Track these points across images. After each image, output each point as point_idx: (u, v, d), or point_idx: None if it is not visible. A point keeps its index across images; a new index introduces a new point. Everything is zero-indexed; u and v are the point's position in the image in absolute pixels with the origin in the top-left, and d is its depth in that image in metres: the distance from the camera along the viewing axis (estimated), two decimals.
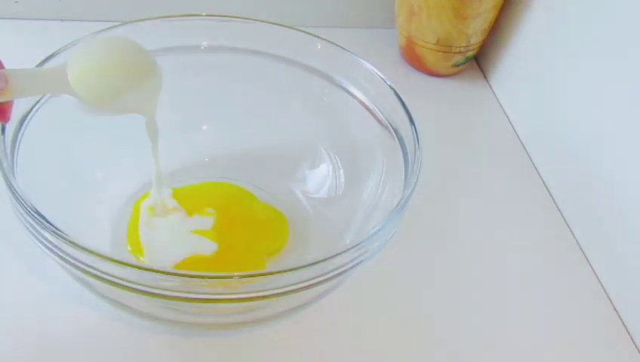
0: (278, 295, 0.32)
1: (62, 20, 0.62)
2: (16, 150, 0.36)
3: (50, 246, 0.31)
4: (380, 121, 0.42)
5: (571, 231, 0.49)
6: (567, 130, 0.51)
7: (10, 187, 0.32)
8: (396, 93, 0.41)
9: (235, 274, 0.30)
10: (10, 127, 0.35)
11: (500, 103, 0.61)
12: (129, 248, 0.41)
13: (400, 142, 0.40)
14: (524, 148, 0.56)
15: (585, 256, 0.47)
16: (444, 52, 0.60)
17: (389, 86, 0.41)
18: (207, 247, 0.41)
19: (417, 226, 0.45)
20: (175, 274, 0.30)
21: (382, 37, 0.66)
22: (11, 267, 0.40)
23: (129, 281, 0.30)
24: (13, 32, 0.60)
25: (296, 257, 0.42)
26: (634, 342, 0.42)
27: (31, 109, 0.38)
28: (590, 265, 0.47)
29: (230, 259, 0.41)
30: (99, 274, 0.31)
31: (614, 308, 0.44)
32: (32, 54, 0.39)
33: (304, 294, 0.33)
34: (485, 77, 0.64)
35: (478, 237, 0.48)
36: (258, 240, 0.43)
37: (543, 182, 0.53)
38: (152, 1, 0.58)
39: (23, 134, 0.37)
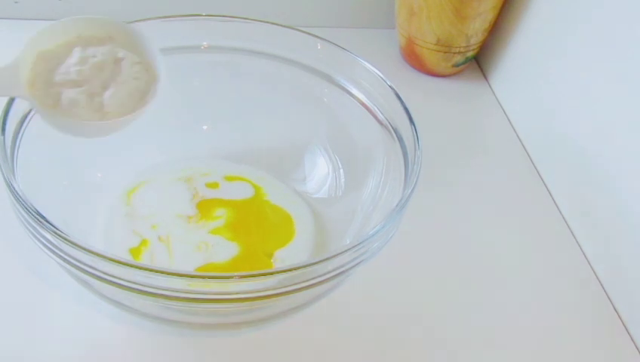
0: (278, 295, 0.32)
1: None
2: (16, 150, 0.36)
3: (50, 246, 0.31)
4: (379, 121, 0.43)
5: (571, 231, 0.49)
6: (567, 129, 0.51)
7: (10, 187, 0.32)
8: (396, 93, 0.41)
9: (235, 274, 0.31)
10: (10, 127, 0.35)
11: (499, 103, 0.61)
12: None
13: (400, 142, 0.40)
14: (524, 148, 0.56)
15: (585, 255, 0.47)
16: (444, 52, 0.60)
17: (389, 86, 0.41)
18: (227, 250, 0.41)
19: (417, 226, 0.45)
20: (175, 274, 0.30)
21: (382, 37, 0.66)
22: (11, 267, 0.40)
23: (129, 281, 0.30)
24: (13, 32, 0.60)
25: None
26: (634, 342, 0.42)
27: (31, 109, 0.38)
28: (590, 264, 0.47)
29: (247, 262, 0.41)
30: (99, 274, 0.31)
31: (614, 308, 0.44)
32: None
33: (304, 294, 0.33)
34: (485, 77, 0.64)
35: (478, 236, 0.48)
36: (269, 240, 0.43)
37: (543, 182, 0.53)
38: (152, 1, 0.58)
39: (22, 134, 0.37)
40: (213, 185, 0.45)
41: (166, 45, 0.44)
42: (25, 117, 0.37)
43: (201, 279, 0.31)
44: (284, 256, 0.42)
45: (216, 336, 0.38)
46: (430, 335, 0.41)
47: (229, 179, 0.46)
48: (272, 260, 0.41)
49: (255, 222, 0.44)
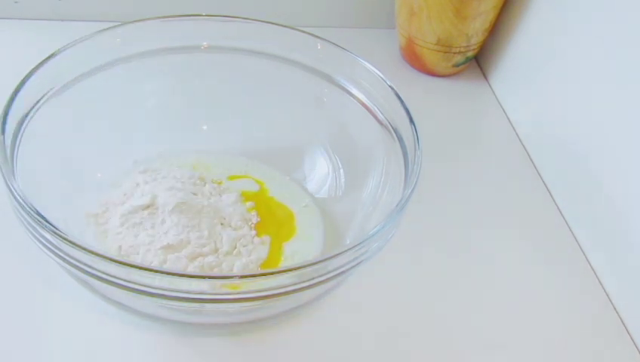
0: (278, 295, 0.32)
1: (62, 20, 0.62)
2: (16, 150, 0.36)
3: (50, 246, 0.31)
4: (379, 121, 0.43)
5: (571, 231, 0.49)
6: (567, 130, 0.51)
7: (10, 188, 0.32)
8: (396, 93, 0.41)
9: (235, 274, 0.31)
10: (10, 127, 0.35)
11: (499, 103, 0.61)
12: None
13: (400, 142, 0.40)
14: (524, 148, 0.56)
15: (585, 255, 0.47)
16: (444, 52, 0.60)
17: (389, 86, 0.41)
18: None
19: (417, 226, 0.45)
20: (175, 274, 0.30)
21: (382, 37, 0.66)
22: (11, 267, 0.40)
23: (128, 281, 0.30)
24: (13, 32, 0.60)
25: None
26: (634, 342, 0.42)
27: (31, 109, 0.38)
28: (590, 265, 0.47)
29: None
30: (98, 274, 0.31)
31: (614, 308, 0.44)
32: (32, 54, 0.39)
33: (304, 294, 0.33)
34: (485, 77, 0.64)
35: (478, 236, 0.48)
36: (280, 235, 0.43)
37: (543, 182, 0.53)
38: (152, 1, 0.58)
39: (22, 134, 0.37)
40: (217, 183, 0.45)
41: (166, 45, 0.44)
42: (25, 117, 0.37)
43: (200, 279, 0.31)
44: (294, 250, 0.42)
45: (216, 336, 0.38)
46: (430, 334, 0.41)
47: (232, 178, 0.46)
48: (282, 256, 0.41)
49: (270, 216, 0.44)
